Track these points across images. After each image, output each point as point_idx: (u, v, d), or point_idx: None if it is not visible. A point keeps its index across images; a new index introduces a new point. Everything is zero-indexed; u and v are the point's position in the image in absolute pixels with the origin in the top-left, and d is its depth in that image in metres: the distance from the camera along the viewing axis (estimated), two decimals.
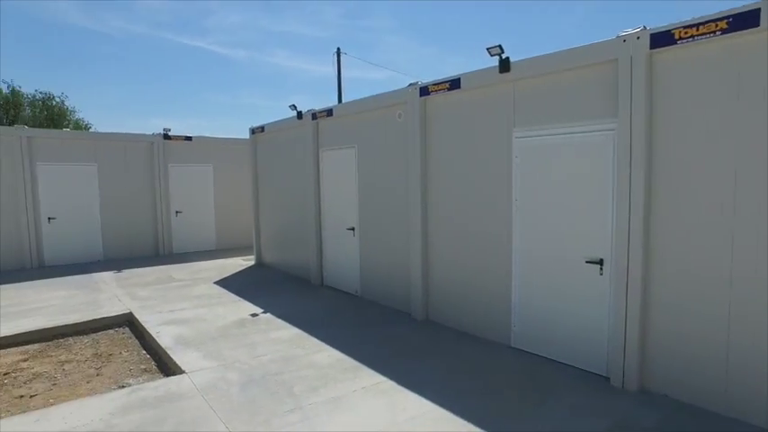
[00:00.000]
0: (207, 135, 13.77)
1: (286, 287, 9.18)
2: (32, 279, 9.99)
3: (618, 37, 4.47)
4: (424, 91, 6.61)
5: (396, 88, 7.21)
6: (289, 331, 6.39)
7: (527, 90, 5.41)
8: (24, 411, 4.53)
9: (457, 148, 6.32)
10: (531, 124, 5.38)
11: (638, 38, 4.32)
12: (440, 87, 6.39)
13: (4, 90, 27.39)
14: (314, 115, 9.02)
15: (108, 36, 51.02)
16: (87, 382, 5.26)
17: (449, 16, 65.06)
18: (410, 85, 6.87)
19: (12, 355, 6.09)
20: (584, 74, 4.85)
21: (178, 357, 5.45)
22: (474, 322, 6.20)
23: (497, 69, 5.56)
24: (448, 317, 6.59)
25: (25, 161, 11.12)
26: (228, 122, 61.78)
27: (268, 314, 7.21)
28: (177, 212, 13.22)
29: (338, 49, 25.30)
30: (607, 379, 4.75)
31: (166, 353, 5.67)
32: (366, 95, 7.87)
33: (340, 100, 25.77)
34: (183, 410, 4.22)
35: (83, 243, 11.97)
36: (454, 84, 6.20)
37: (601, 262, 4.78)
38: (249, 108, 60.18)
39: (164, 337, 6.19)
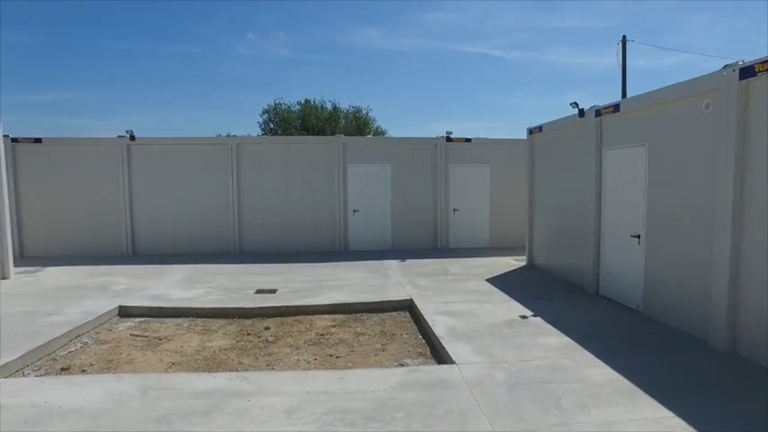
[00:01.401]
0: (481, 136, 14.30)
1: (557, 292, 8.81)
2: (340, 260, 12.15)
3: None
4: (748, 72, 5.36)
5: (692, 75, 6.08)
6: (558, 339, 6.11)
7: None
8: (332, 368, 5.56)
9: None
10: None
11: None
12: None
13: (329, 108, 34.26)
14: (597, 112, 8.36)
15: (400, 53, 58.18)
16: (375, 355, 6.10)
17: None
18: (725, 66, 5.68)
19: (325, 320, 7.54)
20: None
21: (450, 347, 5.81)
22: None
23: None
24: (765, 354, 5.23)
25: (340, 163, 13.62)
26: (501, 124, 62.88)
27: (538, 318, 7.05)
28: (455, 210, 14.14)
29: (623, 37, 22.85)
30: None
31: (440, 341, 6.11)
32: (655, 87, 6.90)
33: (624, 93, 23.26)
34: (451, 399, 4.48)
35: (376, 233, 13.96)
36: None
37: None
38: (522, 108, 59.93)
39: (438, 326, 6.70)
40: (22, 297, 8.45)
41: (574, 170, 9.30)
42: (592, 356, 5.48)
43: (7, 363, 5.35)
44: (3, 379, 5.10)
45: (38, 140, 12.83)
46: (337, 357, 5.99)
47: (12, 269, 10.06)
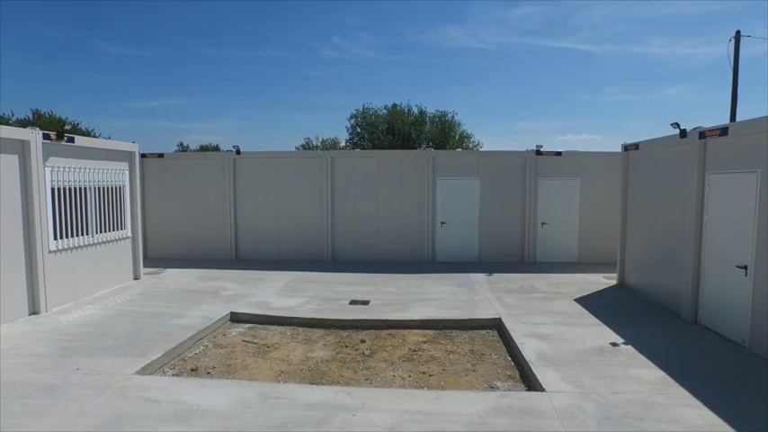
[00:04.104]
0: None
1: (651, 317, 8.58)
2: (427, 272, 12.51)
3: None
4: None
5: None
6: (652, 372, 6.06)
7: None
8: (425, 387, 5.95)
9: None
10: None
11: None
12: None
13: (415, 112, 34.68)
14: (702, 134, 8.04)
15: (485, 51, 57.52)
16: (466, 375, 6.40)
17: None
18: None
19: (416, 335, 7.95)
20: None
21: (539, 374, 5.98)
22: None
23: None
24: None
25: (430, 176, 13.99)
26: (590, 121, 60.07)
27: (629, 346, 6.98)
28: (543, 224, 13.99)
29: (737, 32, 21.08)
30: None
31: (529, 366, 6.30)
32: None
33: (735, 92, 21.50)
34: (542, 428, 4.69)
35: (463, 245, 14.17)
36: None
37: None
38: (613, 105, 56.87)
39: (527, 349, 6.86)
40: (151, 298, 9.72)
41: (672, 191, 8.98)
42: (688, 395, 5.41)
43: (152, 361, 6.37)
44: (151, 376, 6.08)
45: (160, 155, 14.49)
46: (430, 375, 6.37)
47: (142, 270, 11.53)
